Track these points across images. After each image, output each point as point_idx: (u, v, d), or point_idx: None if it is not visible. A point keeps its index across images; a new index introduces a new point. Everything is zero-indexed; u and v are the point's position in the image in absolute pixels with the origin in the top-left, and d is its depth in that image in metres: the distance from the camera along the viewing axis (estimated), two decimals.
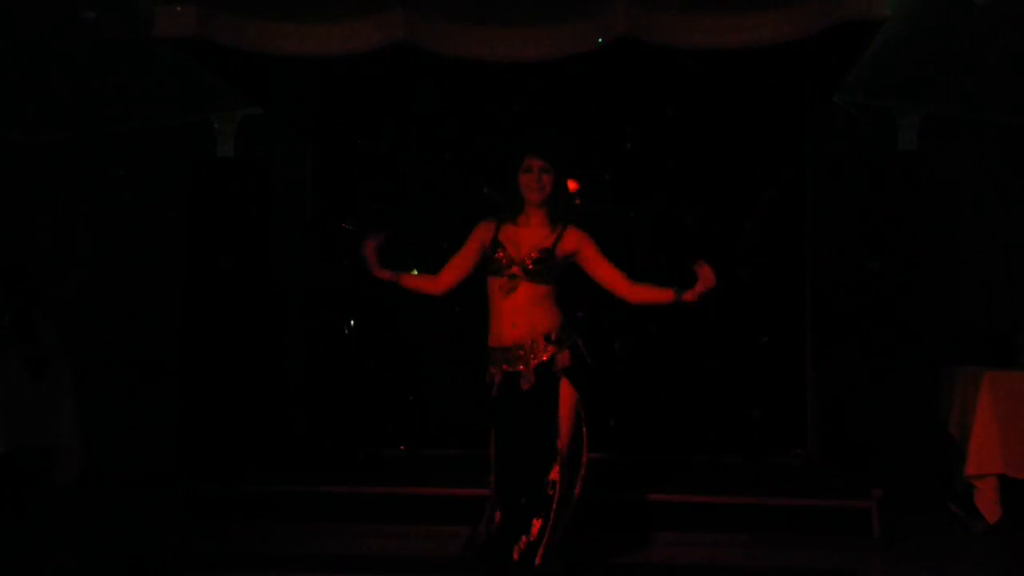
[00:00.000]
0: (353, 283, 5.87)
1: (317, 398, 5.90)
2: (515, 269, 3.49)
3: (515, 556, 3.34)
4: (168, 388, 5.70)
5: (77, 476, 5.22)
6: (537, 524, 3.35)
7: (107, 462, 5.62)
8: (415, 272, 4.12)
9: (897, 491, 4.67)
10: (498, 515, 3.47)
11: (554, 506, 3.35)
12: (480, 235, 3.63)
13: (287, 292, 5.94)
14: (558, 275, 3.55)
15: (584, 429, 3.49)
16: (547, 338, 3.50)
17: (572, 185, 3.77)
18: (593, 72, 5.08)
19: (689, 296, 3.46)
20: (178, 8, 4.32)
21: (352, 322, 5.86)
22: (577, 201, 5.02)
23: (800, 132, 5.71)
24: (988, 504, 4.35)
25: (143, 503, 5.00)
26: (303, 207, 6.03)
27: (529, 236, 3.55)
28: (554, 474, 3.38)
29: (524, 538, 3.35)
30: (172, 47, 4.51)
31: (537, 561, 3.32)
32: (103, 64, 4.94)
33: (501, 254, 3.52)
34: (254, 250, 5.77)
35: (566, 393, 3.48)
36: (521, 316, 3.48)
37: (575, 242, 3.56)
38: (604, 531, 4.12)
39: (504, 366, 3.49)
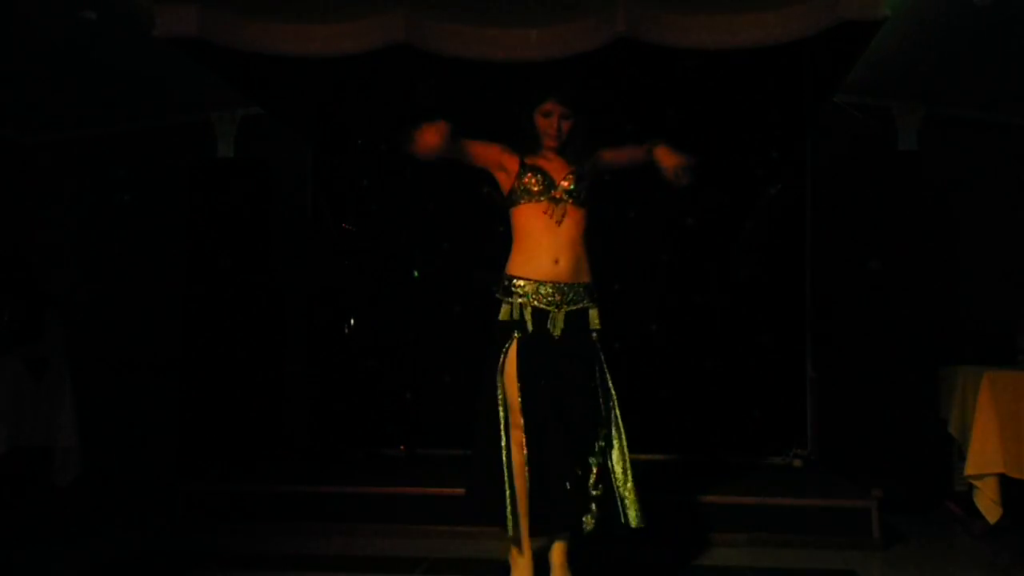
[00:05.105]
0: (353, 283, 5.90)
1: (317, 398, 5.90)
2: (556, 193, 3.34)
3: (587, 530, 3.20)
4: (168, 388, 5.70)
5: (77, 476, 5.21)
6: (601, 494, 3.23)
7: (107, 462, 5.62)
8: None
9: (897, 491, 4.67)
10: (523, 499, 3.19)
11: (615, 477, 3.27)
12: (499, 151, 3.44)
13: (287, 292, 5.94)
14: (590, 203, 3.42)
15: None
16: (587, 289, 3.37)
17: None
18: (593, 72, 5.07)
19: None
20: (178, 8, 4.32)
21: (352, 322, 5.86)
22: None
23: (800, 132, 5.71)
24: (988, 504, 4.35)
25: (143, 503, 5.00)
26: (303, 207, 6.03)
27: (558, 166, 3.41)
28: (603, 439, 3.29)
29: (593, 507, 3.21)
30: (172, 47, 4.51)
31: (640, 521, 3.25)
32: (103, 64, 4.94)
33: (535, 177, 3.35)
34: (254, 250, 5.77)
35: (595, 354, 3.34)
36: (565, 252, 3.32)
37: (593, 157, 3.49)
38: None
39: (534, 301, 3.28)
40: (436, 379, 5.72)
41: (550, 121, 3.39)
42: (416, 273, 5.81)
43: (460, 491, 4.22)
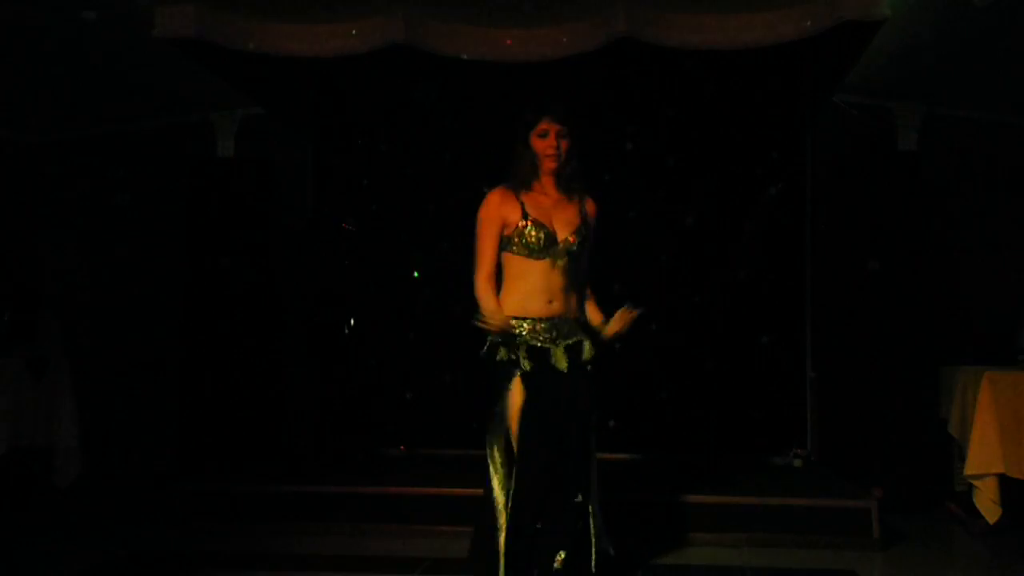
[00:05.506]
0: (353, 283, 5.90)
1: (317, 398, 5.90)
2: (557, 249, 3.26)
3: (556, 568, 3.11)
4: (168, 388, 5.70)
5: (77, 476, 5.22)
6: (578, 534, 3.19)
7: (107, 462, 5.62)
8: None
9: (897, 491, 4.68)
10: (503, 530, 3.15)
11: (592, 509, 3.24)
12: (500, 211, 3.29)
13: (287, 292, 5.94)
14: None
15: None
16: (578, 321, 3.34)
17: None
18: (593, 72, 5.07)
19: (607, 332, 3.38)
20: (178, 8, 4.32)
21: (352, 322, 5.86)
22: None
23: (800, 132, 5.71)
24: (988, 504, 4.35)
25: (143, 503, 5.00)
26: (303, 207, 6.03)
27: (560, 212, 3.33)
28: (587, 476, 3.24)
29: (563, 551, 3.12)
30: (172, 47, 4.51)
31: (593, 568, 3.20)
32: (103, 64, 4.94)
33: (536, 234, 3.25)
34: (254, 250, 5.77)
35: (590, 386, 3.29)
36: (558, 293, 3.26)
37: (593, 215, 3.41)
38: None
39: (530, 339, 3.21)
40: (436, 379, 5.71)
41: (548, 141, 3.31)
42: (416, 273, 5.81)
43: (460, 491, 4.24)
